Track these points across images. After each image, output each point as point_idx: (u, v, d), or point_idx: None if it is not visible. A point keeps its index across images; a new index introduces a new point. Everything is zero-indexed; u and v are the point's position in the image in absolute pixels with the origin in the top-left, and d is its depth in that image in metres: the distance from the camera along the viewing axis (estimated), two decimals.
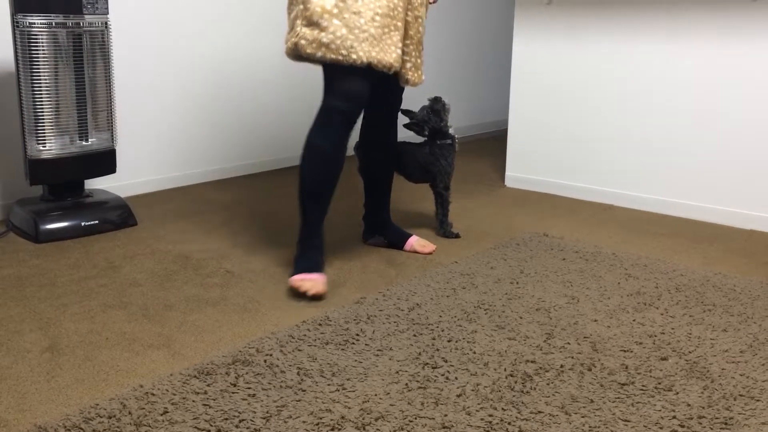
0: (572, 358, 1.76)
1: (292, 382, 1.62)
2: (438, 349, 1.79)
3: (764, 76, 2.83)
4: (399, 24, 2.19)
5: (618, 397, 1.57)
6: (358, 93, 2.17)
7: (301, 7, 2.16)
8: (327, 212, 2.25)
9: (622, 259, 2.49)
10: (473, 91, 5.29)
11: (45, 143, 2.62)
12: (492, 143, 4.94)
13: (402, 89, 2.48)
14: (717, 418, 1.49)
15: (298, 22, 2.17)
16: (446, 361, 1.73)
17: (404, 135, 3.07)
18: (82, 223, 2.69)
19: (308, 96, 4.07)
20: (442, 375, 1.66)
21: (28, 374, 1.65)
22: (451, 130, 2.69)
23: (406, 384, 1.62)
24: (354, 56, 2.09)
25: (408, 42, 2.29)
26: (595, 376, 1.66)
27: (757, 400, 1.57)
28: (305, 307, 2.07)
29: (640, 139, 3.19)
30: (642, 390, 1.60)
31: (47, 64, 2.57)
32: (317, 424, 1.45)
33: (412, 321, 1.96)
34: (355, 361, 1.72)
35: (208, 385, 1.59)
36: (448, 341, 1.84)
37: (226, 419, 1.46)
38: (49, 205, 2.72)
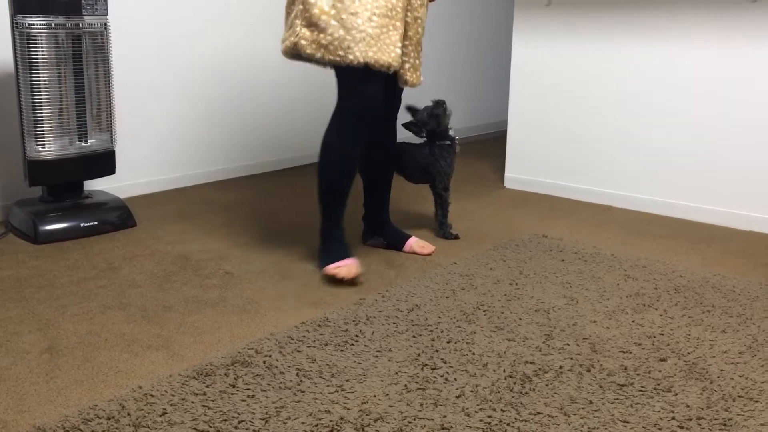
0: (571, 359, 1.76)
1: (291, 383, 1.62)
2: (437, 350, 1.79)
3: (764, 77, 2.83)
4: (398, 24, 2.20)
5: (617, 398, 1.57)
6: (371, 93, 2.23)
7: (301, 7, 2.17)
8: (346, 205, 2.36)
9: (621, 260, 2.49)
10: (473, 92, 5.29)
11: (44, 144, 2.62)
12: (491, 144, 4.95)
13: (401, 90, 2.48)
14: (716, 419, 1.49)
15: (297, 22, 2.18)
16: (445, 362, 1.73)
17: (404, 135, 3.07)
18: (82, 224, 2.69)
19: (309, 96, 4.07)
20: (441, 376, 1.66)
21: (26, 375, 1.65)
22: (451, 132, 2.69)
23: (405, 385, 1.62)
24: (351, 56, 2.12)
25: (407, 43, 2.29)
26: (594, 377, 1.66)
27: (756, 401, 1.57)
28: (304, 308, 2.07)
29: (639, 140, 3.20)
30: (641, 391, 1.60)
31: (46, 65, 2.57)
32: (316, 425, 1.45)
33: (411, 322, 1.96)
34: (354, 362, 1.72)
35: (207, 386, 1.59)
36: (448, 342, 1.84)
37: (225, 420, 1.46)
38: (49, 206, 2.72)
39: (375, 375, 1.66)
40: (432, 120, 2.64)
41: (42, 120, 2.60)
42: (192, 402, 1.53)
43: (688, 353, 1.80)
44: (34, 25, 2.52)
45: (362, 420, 1.47)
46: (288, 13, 2.28)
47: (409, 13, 2.26)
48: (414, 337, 1.87)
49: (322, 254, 2.34)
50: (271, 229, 2.86)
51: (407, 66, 2.32)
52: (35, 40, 2.53)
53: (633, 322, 1.98)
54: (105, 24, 2.70)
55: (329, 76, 3.71)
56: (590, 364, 1.73)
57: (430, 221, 2.94)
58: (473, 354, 1.77)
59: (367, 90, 2.22)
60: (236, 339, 1.86)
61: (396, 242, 2.58)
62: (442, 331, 1.90)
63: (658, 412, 1.52)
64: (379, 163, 2.55)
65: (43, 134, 2.61)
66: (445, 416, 1.49)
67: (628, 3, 3.14)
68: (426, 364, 1.71)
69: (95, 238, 2.70)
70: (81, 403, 1.54)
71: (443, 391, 1.59)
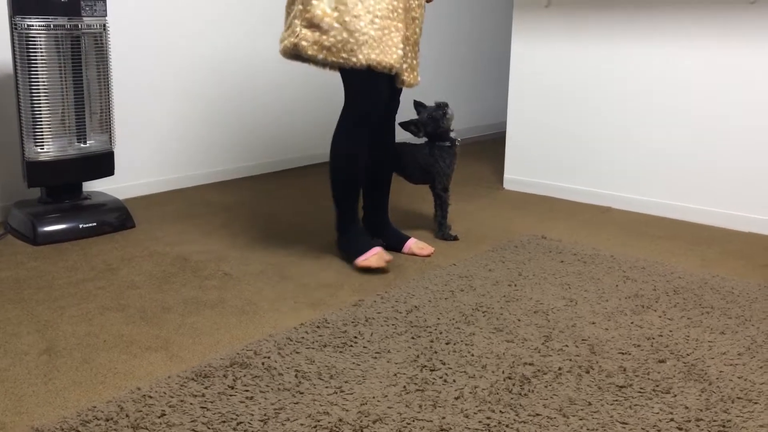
0: (570, 360, 1.76)
1: (289, 385, 1.62)
2: (436, 352, 1.79)
3: (763, 78, 2.83)
4: (400, 25, 2.22)
5: (616, 400, 1.57)
6: (375, 94, 2.28)
7: (300, 7, 2.17)
8: (359, 201, 2.47)
9: (620, 261, 2.49)
10: (472, 92, 5.29)
11: (43, 145, 2.62)
12: (490, 145, 4.95)
13: (399, 90, 2.48)
14: (715, 421, 1.49)
15: (297, 22, 2.18)
16: (444, 364, 1.72)
17: (405, 136, 3.07)
18: (80, 226, 2.69)
19: (308, 97, 4.07)
20: (440, 377, 1.66)
21: (25, 377, 1.65)
22: (452, 134, 2.68)
23: (404, 386, 1.62)
24: (354, 59, 2.14)
25: (405, 43, 2.30)
26: (593, 379, 1.66)
27: (755, 403, 1.57)
28: (303, 309, 2.07)
29: (638, 141, 3.20)
30: (640, 392, 1.60)
31: (45, 66, 2.57)
32: (315, 427, 1.45)
33: (410, 323, 1.96)
34: (353, 363, 1.72)
35: (206, 388, 1.59)
36: (446, 344, 1.83)
37: (224, 422, 1.46)
38: (47, 207, 2.72)
39: (374, 376, 1.66)
40: (431, 122, 2.64)
41: (41, 121, 2.60)
42: (191, 403, 1.53)
43: (687, 354, 1.79)
44: (33, 26, 2.52)
45: (361, 421, 1.47)
46: (288, 13, 2.28)
47: (406, 14, 2.26)
48: (413, 338, 1.87)
49: (347, 249, 2.44)
50: (270, 230, 2.86)
51: (405, 66, 2.33)
52: (34, 41, 2.53)
53: (632, 323, 1.98)
54: (104, 25, 2.70)
55: (329, 76, 3.72)
56: (589, 366, 1.73)
57: (429, 222, 2.94)
58: (472, 355, 1.77)
59: (371, 91, 2.26)
60: (235, 340, 1.86)
61: (395, 243, 2.58)
62: (441, 333, 1.90)
63: (657, 413, 1.52)
64: (378, 163, 2.55)
65: (42, 135, 2.61)
66: (443, 418, 1.49)
67: (627, 4, 3.14)
68: (425, 366, 1.71)
69: (94, 239, 2.69)
70: (79, 404, 1.54)
71: (442, 393, 1.59)
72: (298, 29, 2.18)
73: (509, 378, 1.66)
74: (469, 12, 5.11)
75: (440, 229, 2.75)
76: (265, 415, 1.49)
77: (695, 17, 2.96)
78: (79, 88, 2.67)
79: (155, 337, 1.87)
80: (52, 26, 2.55)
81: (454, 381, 1.64)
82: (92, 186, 3.18)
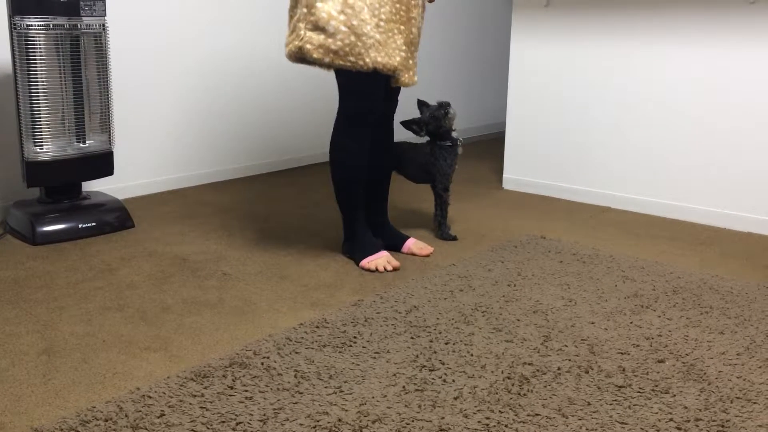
0: (569, 360, 1.76)
1: (289, 385, 1.62)
2: (435, 352, 1.79)
3: (762, 79, 2.84)
4: (402, 27, 2.24)
5: (615, 400, 1.57)
6: (374, 95, 2.29)
7: (305, 10, 2.17)
8: (362, 200, 2.46)
9: (619, 261, 2.50)
10: (471, 93, 5.29)
11: (42, 145, 2.62)
12: (490, 145, 4.95)
13: (398, 90, 2.49)
14: (714, 421, 1.49)
15: (301, 25, 2.18)
16: (443, 364, 1.73)
17: (406, 135, 3.07)
18: (79, 226, 2.69)
19: (306, 98, 4.07)
20: (440, 377, 1.66)
21: (24, 377, 1.65)
22: (454, 134, 2.68)
23: (404, 386, 1.62)
24: (361, 62, 2.17)
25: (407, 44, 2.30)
26: (592, 379, 1.66)
27: (754, 403, 1.57)
28: (302, 309, 2.07)
29: (637, 141, 3.20)
30: (639, 392, 1.60)
31: (45, 66, 2.57)
32: (314, 427, 1.45)
33: (409, 323, 1.96)
34: (353, 363, 1.72)
35: (205, 388, 1.59)
36: (446, 344, 1.83)
37: (223, 422, 1.46)
38: (46, 207, 2.72)
39: (373, 376, 1.66)
40: (432, 121, 2.64)
41: (40, 121, 2.60)
42: (190, 403, 1.53)
43: (686, 354, 1.80)
44: (32, 25, 2.51)
45: (360, 421, 1.47)
46: (291, 17, 2.28)
47: (407, 15, 2.27)
48: (412, 338, 1.87)
49: (354, 250, 2.45)
50: (270, 230, 2.86)
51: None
52: (33, 40, 2.52)
53: (631, 323, 1.98)
54: (103, 25, 2.70)
55: (328, 76, 3.72)
56: (588, 366, 1.73)
57: (429, 222, 2.94)
58: (471, 355, 1.77)
59: (370, 91, 2.27)
60: (234, 340, 1.86)
61: (394, 243, 2.58)
62: (440, 333, 1.90)
63: (656, 413, 1.52)
64: (377, 163, 2.55)
65: (41, 135, 2.61)
66: (443, 418, 1.49)
67: (626, 4, 3.14)
68: (424, 366, 1.71)
69: (93, 239, 2.69)
70: (79, 404, 1.54)
71: (441, 393, 1.59)
72: (302, 32, 2.17)
73: (508, 378, 1.66)
74: (468, 12, 5.11)
75: (440, 229, 2.75)
76: (264, 415, 1.49)
77: (695, 17, 2.97)
78: (78, 88, 2.67)
79: (154, 337, 1.87)
80: (51, 26, 2.55)
81: (454, 381, 1.64)
82: (91, 186, 3.18)
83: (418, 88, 4.64)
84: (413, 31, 2.32)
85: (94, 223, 2.72)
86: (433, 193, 2.74)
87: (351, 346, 1.82)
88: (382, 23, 2.18)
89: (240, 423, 1.46)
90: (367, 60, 2.17)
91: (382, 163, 2.57)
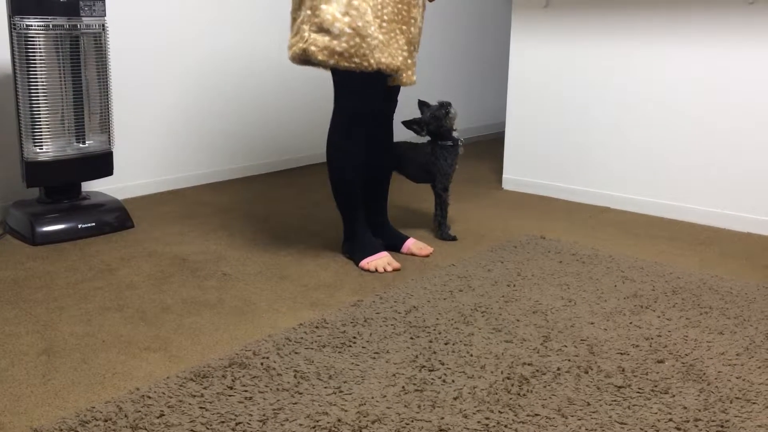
0: (569, 360, 1.76)
1: (288, 385, 1.62)
2: (435, 352, 1.79)
3: (761, 79, 2.84)
4: (404, 27, 2.24)
5: (614, 400, 1.57)
6: (373, 94, 2.29)
7: (309, 12, 2.16)
8: (361, 200, 2.46)
9: (618, 261, 2.50)
10: (471, 93, 5.29)
11: (42, 145, 2.62)
12: (489, 145, 4.95)
13: (398, 90, 2.49)
14: (713, 421, 1.49)
15: (305, 27, 2.17)
16: (443, 364, 1.73)
17: (407, 135, 3.07)
18: (79, 226, 2.69)
19: (306, 98, 4.07)
20: (439, 378, 1.66)
21: (24, 377, 1.65)
22: (455, 134, 2.69)
23: (403, 387, 1.62)
24: (366, 63, 2.18)
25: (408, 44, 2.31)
26: (591, 379, 1.66)
27: (754, 403, 1.57)
28: (302, 309, 2.07)
29: (637, 141, 3.20)
30: (638, 393, 1.61)
31: (44, 67, 2.57)
32: (314, 427, 1.45)
33: (409, 324, 1.96)
34: (352, 363, 1.72)
35: (205, 388, 1.59)
36: (445, 344, 1.83)
37: (223, 422, 1.46)
38: (46, 207, 2.72)
39: (373, 377, 1.66)
40: (433, 121, 2.64)
41: (40, 121, 2.60)
42: (189, 404, 1.53)
43: (686, 355, 1.80)
44: (32, 26, 2.51)
45: (360, 422, 1.47)
46: (294, 19, 2.28)
47: (408, 15, 2.27)
48: (412, 338, 1.87)
49: (354, 251, 2.44)
50: (269, 230, 2.86)
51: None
52: (33, 41, 2.52)
53: (630, 323, 1.98)
54: (103, 25, 2.70)
55: (327, 77, 3.71)
56: (588, 366, 1.73)
57: (429, 222, 2.94)
58: (471, 356, 1.77)
59: (369, 91, 2.27)
60: (234, 340, 1.86)
61: (394, 243, 2.58)
62: (439, 333, 1.90)
63: (656, 413, 1.52)
64: (377, 163, 2.55)
65: (40, 135, 2.61)
66: (442, 418, 1.49)
67: (626, 4, 3.14)
68: (424, 366, 1.71)
69: (93, 239, 2.69)
70: (78, 404, 1.54)
71: (441, 393, 1.59)
72: (306, 34, 2.17)
73: (508, 378, 1.66)
74: (468, 12, 5.11)
75: (439, 229, 2.75)
76: (263, 415, 1.49)
77: (695, 17, 2.97)
78: (78, 88, 2.67)
79: (154, 338, 1.87)
80: (51, 26, 2.55)
81: (453, 381, 1.64)
82: (91, 186, 3.18)
83: (418, 88, 4.64)
84: (413, 30, 2.33)
85: (94, 224, 2.72)
86: (433, 193, 2.74)
87: (350, 346, 1.82)
88: (384, 24, 2.18)
89: (239, 423, 1.46)
90: (372, 61, 2.17)
91: (382, 163, 2.57)
